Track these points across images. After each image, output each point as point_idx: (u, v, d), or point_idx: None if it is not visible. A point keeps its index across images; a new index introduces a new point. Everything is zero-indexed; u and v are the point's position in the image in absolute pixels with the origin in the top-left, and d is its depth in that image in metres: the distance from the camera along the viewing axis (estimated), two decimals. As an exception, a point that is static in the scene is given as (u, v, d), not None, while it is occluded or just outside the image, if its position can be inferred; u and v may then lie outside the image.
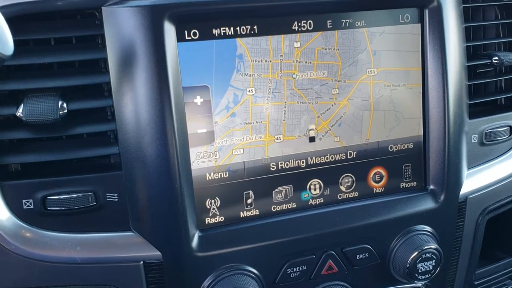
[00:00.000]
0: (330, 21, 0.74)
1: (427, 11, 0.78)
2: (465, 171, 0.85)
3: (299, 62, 0.75)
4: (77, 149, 0.70)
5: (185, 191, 0.70)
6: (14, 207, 0.69)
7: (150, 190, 0.70)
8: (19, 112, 0.66)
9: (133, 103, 0.68)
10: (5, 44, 0.48)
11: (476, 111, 0.88)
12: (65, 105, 0.67)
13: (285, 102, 0.75)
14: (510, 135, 0.90)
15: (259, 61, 0.73)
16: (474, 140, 0.87)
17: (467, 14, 0.86)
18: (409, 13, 0.78)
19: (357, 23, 0.76)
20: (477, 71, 0.89)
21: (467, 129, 0.84)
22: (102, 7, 0.67)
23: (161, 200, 0.70)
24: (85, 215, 0.70)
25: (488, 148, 0.89)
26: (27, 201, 0.69)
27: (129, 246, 0.71)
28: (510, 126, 0.90)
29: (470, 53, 0.86)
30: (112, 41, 0.67)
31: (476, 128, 0.87)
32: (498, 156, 0.91)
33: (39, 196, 0.68)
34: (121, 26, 0.66)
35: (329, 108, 0.77)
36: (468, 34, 0.87)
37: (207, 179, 0.73)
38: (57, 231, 0.70)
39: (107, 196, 0.70)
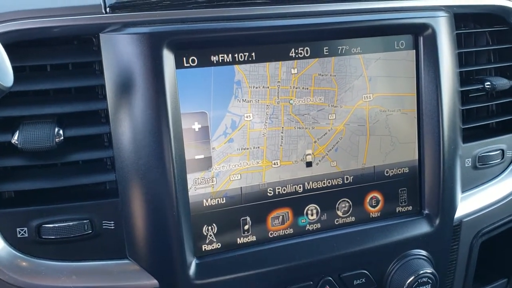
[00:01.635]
0: (327, 47, 0.75)
1: (421, 38, 0.79)
2: (459, 195, 0.86)
3: (296, 88, 0.75)
4: (73, 176, 0.69)
5: (182, 218, 0.69)
6: (8, 236, 0.67)
7: (147, 218, 0.69)
8: (14, 139, 0.65)
9: (130, 130, 0.67)
10: (5, 76, 0.48)
11: (468, 135, 0.89)
12: (61, 132, 0.66)
13: (282, 128, 0.75)
14: (502, 158, 0.91)
15: (256, 87, 0.73)
16: (468, 164, 0.88)
17: (459, 40, 0.87)
18: (404, 39, 0.79)
19: (353, 50, 0.76)
20: (470, 95, 0.91)
21: (461, 153, 0.85)
22: (100, 34, 0.66)
23: (157, 227, 0.69)
24: (80, 243, 0.69)
25: (481, 171, 0.90)
26: (22, 230, 0.67)
27: (125, 274, 0.70)
28: (502, 149, 0.91)
29: (463, 78, 0.87)
30: (110, 68, 0.67)
31: (469, 152, 0.88)
32: (491, 179, 0.92)
33: (34, 225, 0.67)
34: (119, 53, 0.66)
35: (325, 133, 0.77)
36: (461, 59, 0.88)
37: (204, 205, 0.73)
38: (52, 259, 0.68)
39: (103, 224, 0.69)
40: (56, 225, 0.67)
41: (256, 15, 0.70)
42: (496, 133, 0.92)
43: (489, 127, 0.94)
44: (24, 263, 0.67)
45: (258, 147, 0.74)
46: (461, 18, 0.87)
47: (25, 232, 0.67)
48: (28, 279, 0.67)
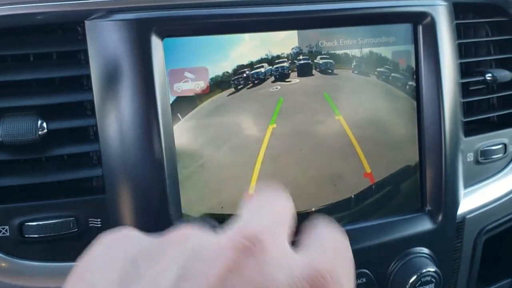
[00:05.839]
0: (323, 36, 0.72)
1: (420, 27, 0.76)
2: (461, 191, 0.83)
3: (291, 79, 0.72)
4: (57, 172, 0.65)
5: (173, 216, 0.66)
6: (-13, 235, 0.64)
7: (136, 215, 0.66)
8: (-5, 132, 0.62)
9: (117, 122, 0.64)
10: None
11: (469, 129, 0.86)
12: (44, 124, 0.63)
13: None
14: (504, 152, 0.89)
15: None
16: (470, 158, 0.85)
17: (458, 32, 0.85)
18: (402, 29, 0.76)
19: (349, 39, 0.74)
20: (470, 88, 0.88)
21: (462, 147, 0.82)
22: (85, 21, 0.63)
23: (147, 225, 0.66)
24: (66, 243, 0.65)
25: (484, 166, 0.87)
26: (3, 228, 0.64)
27: (113, 275, 0.67)
28: (504, 143, 0.88)
29: (463, 71, 0.85)
30: (96, 57, 0.64)
31: (471, 146, 0.85)
32: (494, 174, 0.89)
33: (16, 223, 0.64)
34: (105, 41, 0.63)
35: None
36: (460, 51, 0.85)
37: (196, 202, 0.69)
38: (36, 260, 0.65)
39: (90, 222, 0.66)
40: (40, 223, 0.64)
41: (247, 2, 0.68)
42: (497, 127, 0.90)
43: (490, 121, 0.92)
44: (4, 264, 0.63)
45: (252, 141, 0.71)
46: (460, 9, 0.85)
47: (6, 231, 0.64)
48: (8, 280, 0.63)
